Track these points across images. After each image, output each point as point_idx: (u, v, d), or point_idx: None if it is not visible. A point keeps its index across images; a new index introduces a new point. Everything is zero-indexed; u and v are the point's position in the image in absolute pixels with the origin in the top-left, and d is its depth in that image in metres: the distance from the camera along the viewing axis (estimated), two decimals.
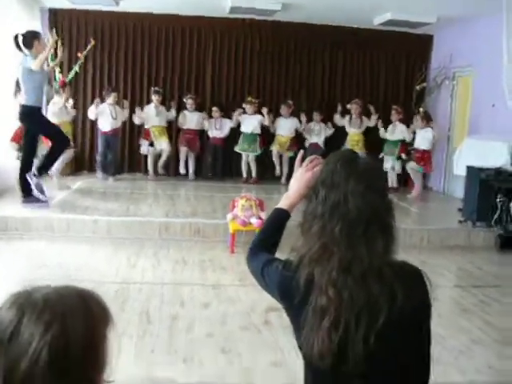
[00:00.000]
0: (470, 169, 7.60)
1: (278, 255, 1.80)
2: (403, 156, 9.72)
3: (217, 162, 10.30)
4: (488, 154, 7.78)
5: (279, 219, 1.90)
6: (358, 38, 10.67)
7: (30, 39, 6.67)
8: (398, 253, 1.59)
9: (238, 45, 10.67)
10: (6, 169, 7.74)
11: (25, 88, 6.71)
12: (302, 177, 1.86)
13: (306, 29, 10.50)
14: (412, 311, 1.53)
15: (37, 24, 9.61)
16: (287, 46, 10.73)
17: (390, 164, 9.93)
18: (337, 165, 1.61)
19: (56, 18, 10.18)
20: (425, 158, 9.40)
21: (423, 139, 9.34)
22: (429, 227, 7.37)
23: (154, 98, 9.90)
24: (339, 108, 10.33)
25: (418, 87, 10.83)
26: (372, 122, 10.25)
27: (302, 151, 2.03)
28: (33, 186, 6.86)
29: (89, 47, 10.02)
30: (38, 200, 6.90)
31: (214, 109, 10.19)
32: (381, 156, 9.96)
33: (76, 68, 10.13)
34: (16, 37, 6.67)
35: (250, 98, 10.19)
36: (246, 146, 10.12)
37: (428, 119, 9.48)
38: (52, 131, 7.20)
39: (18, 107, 6.93)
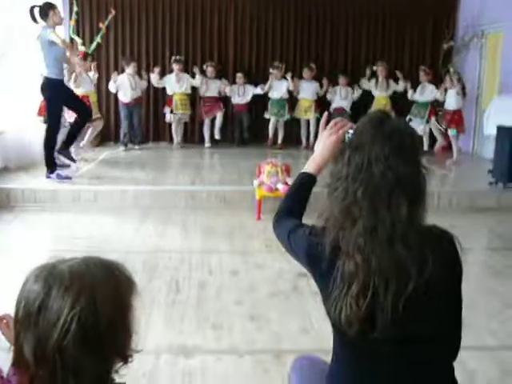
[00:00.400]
0: (500, 128, 7.41)
1: (305, 220, 1.77)
2: (433, 118, 9.49)
3: (242, 129, 10.26)
4: None
5: (305, 184, 1.87)
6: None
7: (45, 10, 6.63)
8: (427, 216, 1.55)
9: (259, 10, 10.52)
10: (34, 143, 7.79)
11: (46, 60, 6.70)
12: (326, 139, 1.83)
13: None
14: (442, 276, 1.50)
15: None
16: (310, 10, 10.55)
17: (420, 127, 9.67)
18: (365, 125, 1.57)
19: None
20: (455, 119, 9.13)
21: (452, 100, 9.12)
22: (458, 189, 7.26)
23: (175, 67, 9.84)
24: (367, 71, 10.15)
25: (445, 46, 10.56)
26: (400, 86, 10.05)
27: (326, 113, 1.97)
28: (58, 161, 6.98)
29: (109, 18, 10.01)
30: (62, 177, 6.97)
31: (239, 75, 10.12)
32: (408, 118, 9.76)
33: (98, 39, 10.12)
34: (32, 8, 6.65)
35: (276, 63, 10.08)
36: (275, 111, 10.05)
37: (457, 79, 9.24)
38: (75, 104, 7.22)
39: (41, 79, 6.94)
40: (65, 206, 6.43)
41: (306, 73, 10.08)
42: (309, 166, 1.87)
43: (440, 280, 1.49)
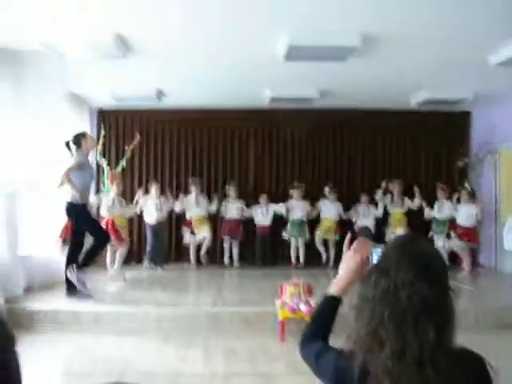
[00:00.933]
0: None
1: (334, 341, 1.78)
2: (452, 234, 9.55)
3: (265, 250, 10.31)
4: None
5: (329, 305, 1.88)
6: (397, 119, 10.81)
7: (77, 140, 7.10)
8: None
9: (278, 133, 10.95)
10: (58, 261, 7.90)
11: (71, 186, 6.98)
12: (350, 260, 1.86)
13: (345, 113, 10.72)
14: None
15: (86, 123, 10.10)
16: (326, 131, 10.95)
17: (441, 243, 9.71)
18: (391, 248, 1.61)
19: (104, 116, 10.75)
20: (469, 233, 9.32)
21: (467, 216, 9.24)
22: (484, 306, 7.13)
23: (192, 187, 10.07)
24: (383, 185, 10.31)
25: (459, 164, 10.78)
26: (415, 202, 10.18)
27: (349, 234, 2.03)
28: (74, 280, 7.06)
29: (135, 142, 10.45)
30: (81, 292, 7.05)
31: (263, 195, 10.30)
32: (430, 235, 9.84)
33: (123, 162, 10.49)
34: (67, 143, 7.11)
35: (295, 183, 10.31)
36: (295, 232, 10.14)
37: (472, 195, 9.44)
38: (93, 228, 7.40)
39: (66, 203, 7.17)
40: (86, 327, 6.40)
41: (328, 193, 10.24)
42: (333, 287, 1.89)
43: None
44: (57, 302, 6.97)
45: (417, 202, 10.17)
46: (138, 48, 6.62)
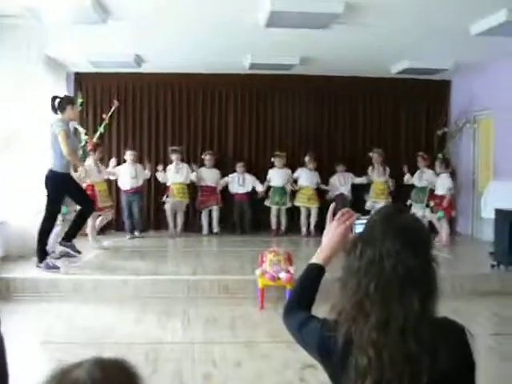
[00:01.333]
0: (498, 211, 7.51)
1: (316, 310, 1.77)
2: (432, 203, 9.58)
3: (244, 219, 10.32)
4: None
5: (313, 275, 1.87)
6: (377, 87, 10.79)
7: (64, 103, 6.86)
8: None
9: (258, 99, 10.87)
10: (35, 230, 7.82)
11: (53, 153, 6.82)
12: (334, 230, 1.85)
13: (325, 81, 10.64)
14: (455, 368, 1.49)
15: (62, 87, 9.91)
16: (307, 98, 10.88)
17: (420, 212, 9.63)
18: (376, 220, 1.60)
19: (81, 81, 10.54)
20: (443, 203, 9.34)
21: (441, 185, 9.38)
22: (460, 273, 7.24)
23: (173, 157, 10.02)
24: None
25: (439, 132, 10.82)
26: (405, 179, 10.26)
27: (333, 204, 2.01)
28: (51, 254, 7.04)
29: (113, 108, 10.32)
30: (50, 266, 6.93)
31: (239, 164, 10.28)
32: (408, 203, 9.89)
33: (101, 129, 10.37)
34: (54, 98, 6.87)
35: (277, 152, 10.26)
36: (277, 199, 10.15)
37: (446, 164, 9.50)
38: (77, 196, 7.29)
39: (46, 171, 7.01)
40: (65, 296, 6.38)
41: (308, 162, 10.22)
42: (317, 257, 1.88)
43: (453, 373, 1.49)
44: (35, 270, 6.90)
45: (406, 178, 10.21)
46: (116, 13, 6.47)
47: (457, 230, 10.67)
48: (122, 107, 10.57)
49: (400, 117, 11.08)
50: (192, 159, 10.45)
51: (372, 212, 1.76)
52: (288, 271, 5.99)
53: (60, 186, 6.94)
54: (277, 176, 10.19)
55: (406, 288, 1.48)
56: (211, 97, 10.79)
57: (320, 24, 6.56)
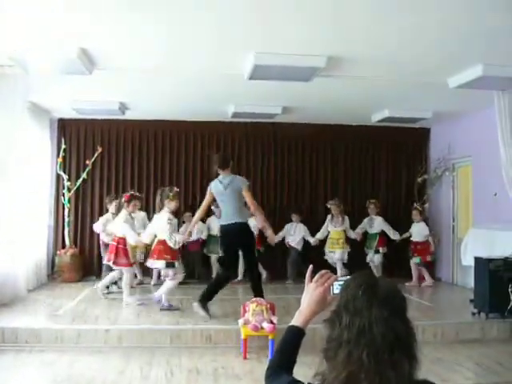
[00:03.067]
0: (478, 259, 7.60)
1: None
2: (381, 249, 10.00)
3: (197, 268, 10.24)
4: (495, 243, 7.84)
5: (293, 338, 1.92)
6: (358, 135, 10.97)
7: (228, 161, 7.34)
8: None
9: (240, 147, 10.97)
10: (16, 277, 7.76)
11: (237, 207, 7.13)
12: (313, 292, 1.91)
13: (307, 129, 10.80)
14: None
15: (46, 133, 9.96)
16: (288, 146, 11.03)
17: (369, 257, 10.28)
18: (358, 290, 1.65)
19: (64, 127, 10.57)
20: (420, 249, 9.92)
21: (418, 232, 9.94)
22: (442, 321, 7.28)
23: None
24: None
25: (419, 180, 11.01)
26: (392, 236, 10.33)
27: (311, 266, 2.08)
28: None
29: (96, 154, 10.36)
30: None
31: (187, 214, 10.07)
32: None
33: (84, 175, 10.40)
34: (224, 156, 7.59)
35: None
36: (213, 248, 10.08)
37: (421, 213, 9.95)
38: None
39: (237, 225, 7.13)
40: (46, 346, 6.30)
41: (294, 217, 10.31)
42: (296, 319, 1.94)
43: None
44: (16, 319, 6.83)
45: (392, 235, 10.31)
46: (102, 63, 6.55)
47: (439, 277, 10.76)
48: (105, 153, 10.62)
49: (380, 166, 11.26)
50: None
51: (346, 277, 1.82)
52: (271, 321, 6.00)
53: (250, 239, 7.31)
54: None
55: (396, 353, 1.53)
56: (194, 144, 10.87)
57: (302, 77, 6.71)
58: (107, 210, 9.65)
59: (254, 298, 6.50)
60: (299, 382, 1.77)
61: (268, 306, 6.25)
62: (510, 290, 7.00)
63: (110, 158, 10.69)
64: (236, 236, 7.11)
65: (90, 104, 9.02)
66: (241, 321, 6.19)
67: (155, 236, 7.78)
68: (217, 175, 7.34)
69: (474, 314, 7.42)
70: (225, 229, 7.22)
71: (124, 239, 8.06)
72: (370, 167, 11.24)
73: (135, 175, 10.73)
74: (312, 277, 1.97)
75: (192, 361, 5.93)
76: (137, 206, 8.55)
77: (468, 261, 8.28)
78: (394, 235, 10.16)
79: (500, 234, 7.87)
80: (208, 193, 7.38)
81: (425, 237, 9.92)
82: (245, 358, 6.00)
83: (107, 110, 9.25)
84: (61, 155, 10.40)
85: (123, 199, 8.29)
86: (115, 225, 8.29)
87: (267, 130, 10.80)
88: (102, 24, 5.31)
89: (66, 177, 10.40)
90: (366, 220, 10.38)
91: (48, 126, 10.16)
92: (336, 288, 1.84)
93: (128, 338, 6.49)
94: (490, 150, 8.21)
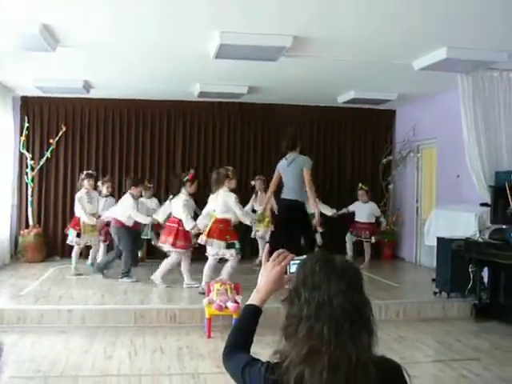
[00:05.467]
0: (440, 240, 7.75)
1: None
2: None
3: None
4: (457, 224, 7.96)
5: (250, 317, 1.93)
6: (324, 116, 11.00)
7: (296, 143, 7.51)
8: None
9: (207, 126, 10.91)
10: None
11: (298, 185, 7.38)
12: (270, 271, 1.92)
13: (272, 109, 10.83)
14: None
15: (9, 111, 9.77)
16: (253, 125, 11.04)
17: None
18: (315, 266, 1.66)
19: (28, 105, 10.39)
20: (369, 228, 9.91)
21: (366, 213, 9.89)
22: (405, 300, 7.42)
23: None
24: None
25: (384, 161, 11.12)
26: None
27: (268, 245, 2.08)
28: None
29: (60, 133, 10.20)
30: None
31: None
32: None
33: (47, 154, 10.24)
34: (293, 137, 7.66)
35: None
36: None
37: (368, 193, 9.97)
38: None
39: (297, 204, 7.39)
40: (8, 327, 6.23)
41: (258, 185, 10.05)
42: (253, 298, 1.94)
43: None
44: None
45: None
46: (65, 40, 6.41)
47: (401, 256, 10.93)
48: (69, 132, 10.47)
49: (346, 146, 11.32)
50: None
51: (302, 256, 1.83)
52: (235, 301, 6.03)
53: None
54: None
55: (356, 325, 1.55)
56: (160, 123, 10.79)
57: (268, 57, 6.68)
58: (99, 192, 9.22)
59: (218, 278, 6.51)
60: (258, 360, 1.77)
61: (232, 285, 6.28)
62: (470, 269, 7.13)
63: (75, 137, 10.55)
64: (293, 212, 7.32)
65: (54, 82, 8.83)
66: (205, 300, 6.22)
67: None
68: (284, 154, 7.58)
69: (435, 293, 7.58)
70: (284, 203, 7.46)
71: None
72: (336, 148, 11.29)
73: (100, 155, 10.62)
74: (269, 256, 1.98)
75: (156, 340, 5.94)
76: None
77: (431, 241, 8.42)
78: (330, 211, 9.73)
79: (462, 215, 8.00)
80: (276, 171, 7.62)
81: (374, 217, 9.96)
82: (209, 337, 6.04)
83: (71, 88, 9.10)
84: (24, 134, 10.21)
85: (187, 178, 7.92)
86: (175, 206, 7.92)
87: (234, 109, 10.76)
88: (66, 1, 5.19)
89: (29, 156, 10.23)
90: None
91: (11, 104, 9.95)
92: (292, 267, 1.86)
93: (91, 318, 6.46)
94: (454, 132, 8.30)
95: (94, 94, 9.81)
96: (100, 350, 5.58)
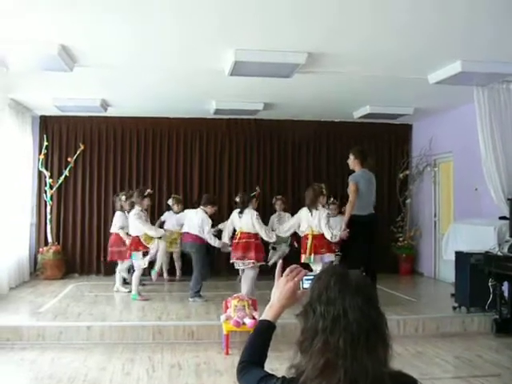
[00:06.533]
0: (459, 254, 7.68)
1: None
2: (295, 244, 9.14)
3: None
4: (475, 238, 7.88)
5: (265, 332, 1.93)
6: (340, 131, 11.00)
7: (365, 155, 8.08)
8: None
9: (223, 143, 10.96)
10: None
11: (372, 197, 7.97)
12: (283, 287, 1.92)
13: (288, 124, 10.86)
14: None
15: (28, 131, 9.91)
16: (271, 140, 11.05)
17: (282, 250, 9.76)
18: (330, 281, 1.66)
19: (46, 124, 10.53)
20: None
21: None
22: (423, 315, 7.35)
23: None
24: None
25: (400, 175, 11.08)
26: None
27: (280, 262, 2.09)
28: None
29: (78, 152, 10.32)
30: None
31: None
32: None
33: (66, 172, 10.36)
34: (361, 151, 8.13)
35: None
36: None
37: (339, 208, 9.60)
38: None
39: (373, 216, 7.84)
40: (28, 344, 6.28)
41: (278, 204, 10.05)
42: (266, 314, 1.95)
43: None
44: None
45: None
46: (83, 61, 6.51)
47: (420, 271, 10.85)
48: (87, 151, 10.58)
49: None
50: (157, 203, 10.45)
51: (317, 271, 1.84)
52: (253, 317, 6.03)
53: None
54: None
55: (372, 339, 1.55)
56: (176, 140, 10.86)
57: (283, 73, 6.72)
58: (121, 208, 9.05)
59: (236, 294, 6.52)
60: (272, 375, 1.77)
61: (250, 301, 6.29)
62: (490, 284, 7.06)
63: (92, 155, 10.66)
64: (373, 226, 7.70)
65: (72, 101, 8.97)
66: (223, 317, 6.23)
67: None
68: (352, 170, 8.04)
69: (454, 308, 7.50)
70: (367, 219, 7.64)
71: (257, 234, 7.80)
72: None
73: (117, 172, 10.71)
74: (282, 272, 1.99)
75: (174, 357, 5.95)
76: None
77: (449, 255, 8.34)
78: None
79: (481, 229, 7.92)
80: (353, 185, 7.74)
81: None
82: (227, 353, 6.02)
83: (89, 107, 9.22)
84: (43, 152, 10.35)
85: (254, 194, 8.70)
86: (250, 221, 7.83)
87: (249, 126, 10.81)
88: (81, 22, 5.27)
89: (47, 174, 10.35)
90: (273, 217, 9.97)
91: (30, 123, 10.10)
92: (305, 283, 1.86)
93: (110, 335, 6.49)
94: (471, 145, 8.27)
95: (111, 113, 9.92)
96: (118, 367, 5.60)
